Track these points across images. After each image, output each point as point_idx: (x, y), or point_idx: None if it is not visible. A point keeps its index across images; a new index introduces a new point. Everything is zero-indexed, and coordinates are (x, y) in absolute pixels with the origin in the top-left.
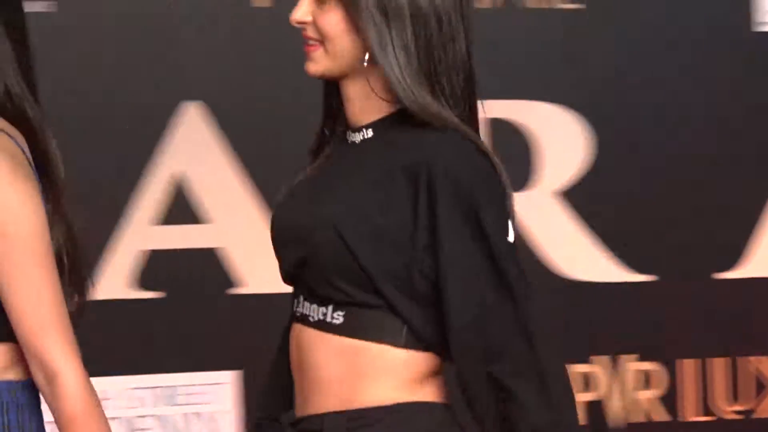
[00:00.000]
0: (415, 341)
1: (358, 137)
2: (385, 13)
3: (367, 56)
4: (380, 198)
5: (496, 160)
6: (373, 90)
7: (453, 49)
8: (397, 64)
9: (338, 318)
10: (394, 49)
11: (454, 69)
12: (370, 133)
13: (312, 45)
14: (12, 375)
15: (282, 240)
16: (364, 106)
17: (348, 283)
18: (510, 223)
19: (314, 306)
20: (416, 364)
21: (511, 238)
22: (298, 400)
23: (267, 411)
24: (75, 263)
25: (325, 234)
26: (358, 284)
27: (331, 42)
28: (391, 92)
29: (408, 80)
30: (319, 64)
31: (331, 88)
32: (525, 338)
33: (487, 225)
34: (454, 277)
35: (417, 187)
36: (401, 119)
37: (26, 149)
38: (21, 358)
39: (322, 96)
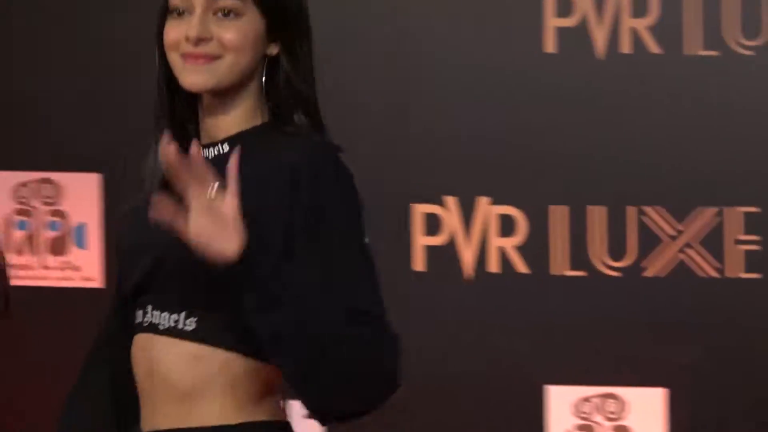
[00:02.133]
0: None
1: (211, 152)
2: (297, 23)
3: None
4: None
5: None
6: (246, 102)
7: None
8: (308, 73)
9: (190, 324)
10: (305, 57)
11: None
12: (225, 148)
13: (203, 60)
14: None
15: (134, 249)
16: (231, 119)
17: (201, 288)
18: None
19: (165, 314)
20: (262, 375)
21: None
22: (145, 413)
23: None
24: None
25: (171, 240)
26: (210, 289)
27: (233, 55)
28: (261, 106)
29: (311, 88)
30: (211, 77)
31: (182, 102)
32: None
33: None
34: None
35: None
36: (262, 132)
37: None
38: None
39: (168, 112)
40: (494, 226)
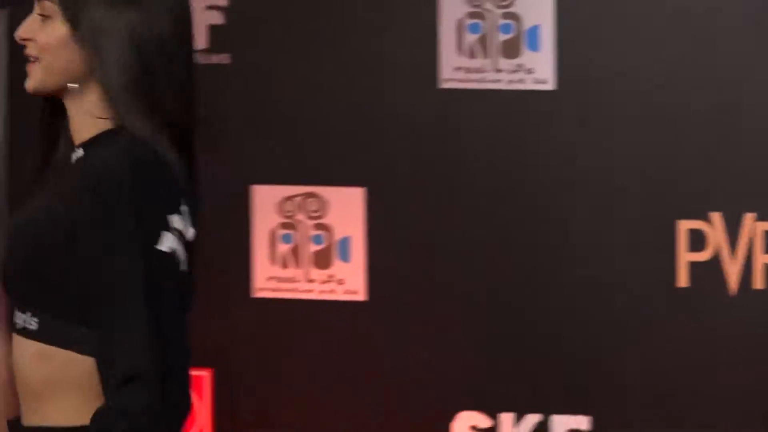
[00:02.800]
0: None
1: (74, 157)
2: (105, 33)
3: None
4: (63, 209)
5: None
6: (89, 107)
7: (169, 71)
8: (116, 81)
9: (34, 324)
10: (111, 67)
11: (170, 89)
12: (81, 152)
13: (32, 61)
14: None
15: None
16: (81, 123)
17: (37, 289)
18: (169, 233)
19: (19, 314)
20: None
21: (164, 247)
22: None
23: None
24: None
25: (16, 241)
26: (47, 290)
27: (47, 57)
28: (106, 109)
29: (122, 96)
30: (33, 79)
31: (55, 106)
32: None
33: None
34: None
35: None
36: (111, 136)
37: None
38: None
39: (39, 114)
40: (760, 243)
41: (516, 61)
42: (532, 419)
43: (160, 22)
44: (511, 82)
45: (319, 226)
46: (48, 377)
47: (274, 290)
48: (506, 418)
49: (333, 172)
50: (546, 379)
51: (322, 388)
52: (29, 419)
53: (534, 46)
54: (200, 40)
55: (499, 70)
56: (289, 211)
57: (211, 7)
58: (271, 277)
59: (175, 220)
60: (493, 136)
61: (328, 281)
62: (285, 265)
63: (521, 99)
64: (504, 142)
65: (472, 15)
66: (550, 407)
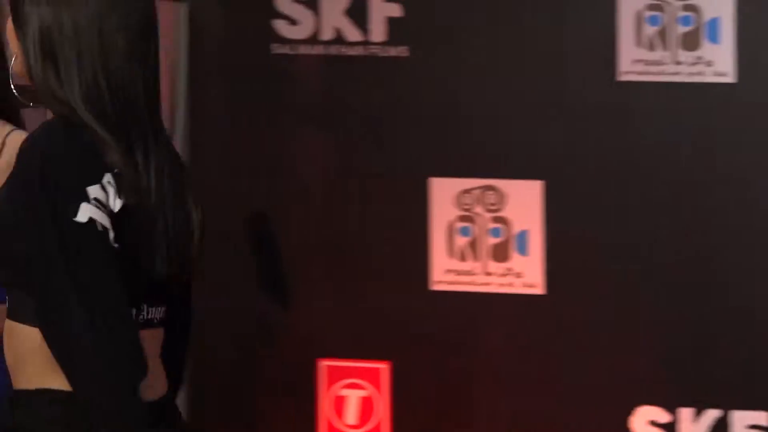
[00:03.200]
0: None
1: None
2: (25, 25)
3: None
4: (5, 190)
5: (92, 143)
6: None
7: (83, 62)
8: (32, 70)
9: (7, 302)
10: (29, 56)
11: (86, 80)
12: None
13: None
14: None
15: None
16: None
17: (2, 268)
18: (87, 203)
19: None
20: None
21: (81, 218)
22: None
23: None
24: None
25: None
26: (5, 268)
27: (10, 46)
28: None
29: (39, 82)
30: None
31: None
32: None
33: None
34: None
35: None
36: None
37: None
38: None
39: None
40: None
41: (696, 53)
42: (712, 414)
43: (73, 16)
44: (690, 74)
45: (497, 219)
46: (16, 350)
47: (451, 283)
48: (686, 413)
49: (511, 165)
50: (726, 374)
51: (499, 381)
52: (15, 386)
53: (714, 38)
54: (378, 32)
55: (678, 63)
56: (467, 204)
57: (389, 0)
58: (449, 270)
59: (95, 191)
60: (672, 129)
61: (506, 274)
62: (463, 258)
63: (701, 91)
64: (683, 135)
65: (651, 7)
66: (730, 403)
